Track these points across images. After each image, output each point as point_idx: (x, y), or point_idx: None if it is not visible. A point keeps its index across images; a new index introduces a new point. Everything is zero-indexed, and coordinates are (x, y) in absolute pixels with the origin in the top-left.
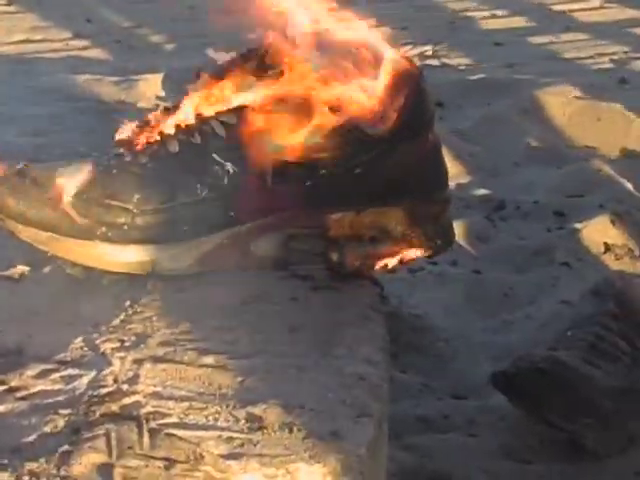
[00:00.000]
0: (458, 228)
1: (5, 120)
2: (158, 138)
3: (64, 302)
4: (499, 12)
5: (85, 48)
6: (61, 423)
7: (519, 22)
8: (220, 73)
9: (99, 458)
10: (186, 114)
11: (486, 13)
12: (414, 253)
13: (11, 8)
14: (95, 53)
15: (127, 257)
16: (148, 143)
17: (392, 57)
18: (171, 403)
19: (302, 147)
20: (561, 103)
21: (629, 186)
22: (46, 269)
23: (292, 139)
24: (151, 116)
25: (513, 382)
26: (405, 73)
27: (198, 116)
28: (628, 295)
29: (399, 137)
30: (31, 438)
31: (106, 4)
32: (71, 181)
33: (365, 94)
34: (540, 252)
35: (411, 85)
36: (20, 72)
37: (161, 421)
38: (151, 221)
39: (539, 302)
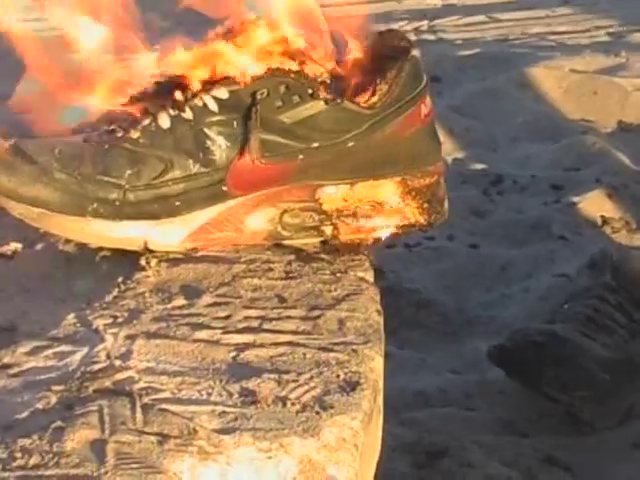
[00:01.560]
0: (455, 203)
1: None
2: (149, 114)
3: (57, 279)
4: None
5: None
6: (53, 399)
7: None
8: (209, 48)
9: (92, 434)
10: (177, 89)
11: None
12: (408, 226)
13: None
14: None
15: (119, 233)
16: (139, 118)
17: (382, 30)
18: (164, 378)
19: (293, 121)
20: (557, 77)
21: (625, 159)
22: (39, 246)
23: (283, 113)
24: (142, 91)
25: (510, 356)
26: (396, 45)
27: (189, 91)
28: (625, 267)
29: (391, 110)
30: (24, 415)
31: None
32: (62, 157)
33: (356, 67)
34: (537, 226)
35: (402, 57)
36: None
37: (154, 396)
38: (143, 197)
39: (536, 276)
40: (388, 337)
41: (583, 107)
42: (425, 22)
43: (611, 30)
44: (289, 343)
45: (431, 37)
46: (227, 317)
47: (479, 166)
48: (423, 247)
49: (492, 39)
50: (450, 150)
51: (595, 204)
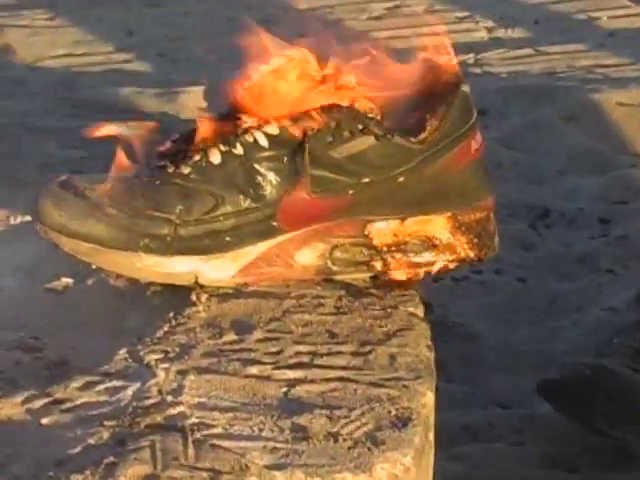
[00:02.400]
0: (502, 236)
1: (48, 133)
2: (200, 149)
3: (108, 314)
4: (539, 20)
5: (127, 61)
6: (106, 435)
7: (559, 29)
8: (259, 83)
9: (144, 469)
10: (228, 125)
11: (526, 21)
12: (458, 261)
13: (53, 22)
14: (137, 66)
15: (170, 268)
16: (190, 154)
17: (433, 64)
18: (216, 414)
19: (343, 156)
20: (604, 110)
21: None
22: (90, 281)
23: (333, 148)
24: (193, 128)
25: (559, 390)
26: (447, 80)
27: (239, 127)
28: None
29: (441, 145)
30: (76, 450)
31: (147, 18)
32: (114, 192)
33: (407, 103)
34: (585, 259)
35: (452, 92)
36: (62, 85)
37: (206, 432)
38: (194, 232)
39: (585, 309)
40: (436, 371)
41: (630, 140)
42: (471, 55)
43: None
44: (340, 379)
45: (477, 70)
46: (278, 352)
47: (526, 199)
48: (470, 281)
49: (538, 72)
50: (496, 183)
51: None
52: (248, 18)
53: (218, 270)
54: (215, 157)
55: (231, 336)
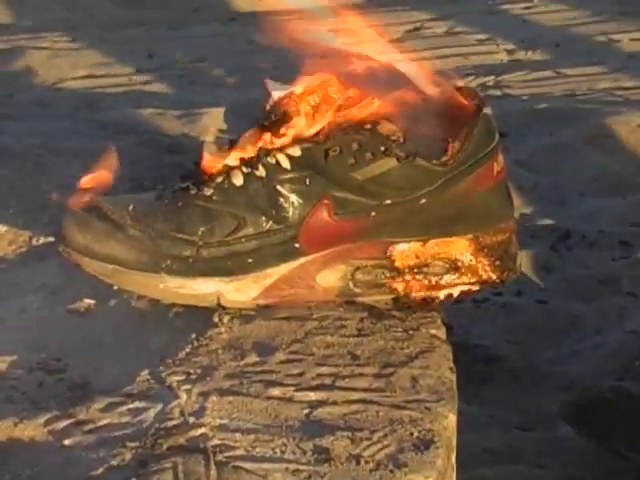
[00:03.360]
0: (523, 258)
1: (70, 154)
2: (222, 171)
3: (130, 335)
4: (560, 42)
5: (148, 83)
6: (128, 456)
7: (580, 51)
8: (281, 106)
9: None
10: (249, 147)
11: (547, 44)
12: (480, 283)
13: (74, 45)
14: (158, 87)
15: (192, 289)
16: (212, 176)
17: (455, 87)
18: (238, 435)
19: (365, 178)
20: (625, 132)
21: None
22: (112, 302)
23: (355, 170)
24: (215, 149)
25: (580, 413)
26: (468, 102)
27: (261, 149)
28: None
29: (463, 167)
30: (99, 471)
31: (167, 40)
32: (136, 214)
33: (429, 125)
34: (606, 282)
35: (474, 115)
36: (84, 107)
37: (228, 454)
38: (216, 253)
39: (606, 332)
40: (457, 392)
41: None
42: (492, 77)
43: None
44: (362, 401)
45: (497, 93)
46: (300, 374)
47: (547, 221)
48: (491, 303)
49: (559, 94)
50: (517, 205)
51: None
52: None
53: (240, 292)
54: (237, 179)
55: (253, 358)
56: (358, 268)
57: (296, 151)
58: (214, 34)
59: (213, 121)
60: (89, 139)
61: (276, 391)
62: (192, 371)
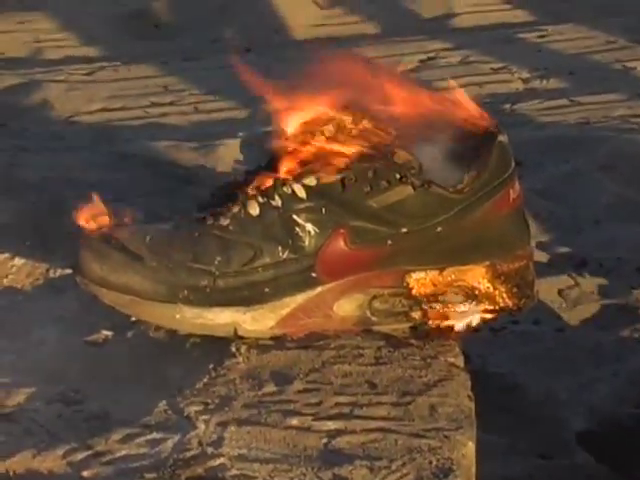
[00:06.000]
0: (540, 286)
1: (87, 186)
2: (239, 201)
3: (148, 366)
4: (575, 70)
5: (163, 115)
6: None
7: (595, 79)
8: (296, 136)
9: None
10: (265, 177)
11: (562, 72)
12: (497, 311)
13: (89, 77)
14: (173, 119)
15: (209, 320)
16: (229, 206)
17: (471, 115)
18: (256, 465)
19: (381, 206)
20: None
21: None
22: (129, 333)
23: (371, 198)
24: (231, 180)
25: (599, 441)
26: (484, 130)
27: (277, 179)
28: None
29: (480, 194)
30: None
31: (182, 72)
32: (153, 244)
33: (444, 153)
34: (624, 309)
35: (490, 142)
36: (100, 139)
37: None
38: (233, 283)
39: (625, 359)
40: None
41: None
42: (507, 106)
43: None
44: (381, 429)
45: (513, 121)
46: (318, 403)
47: (563, 249)
48: (508, 331)
49: (574, 122)
50: (534, 233)
51: None
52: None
53: (257, 321)
54: (253, 209)
55: (271, 387)
56: (375, 297)
57: (312, 181)
58: (229, 65)
59: (229, 152)
60: (106, 172)
61: (294, 420)
62: (210, 401)
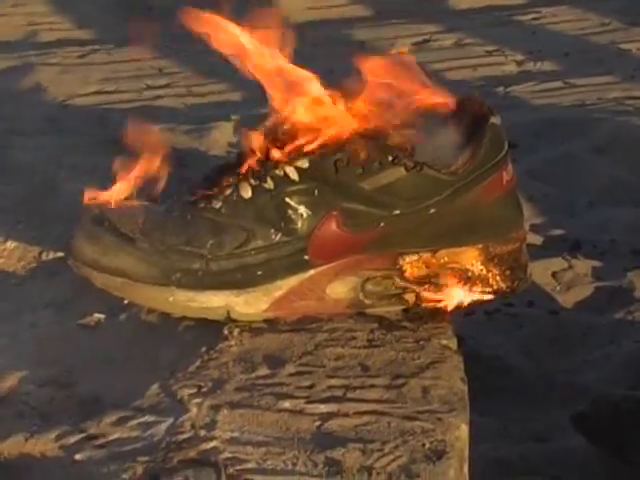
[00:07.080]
0: (534, 268)
1: (81, 169)
2: (231, 184)
3: (140, 349)
4: (569, 52)
5: (157, 98)
6: (139, 470)
7: (590, 61)
8: (288, 118)
9: None
10: (258, 159)
11: (556, 54)
12: (491, 293)
13: (83, 60)
14: (167, 102)
15: (202, 303)
16: (221, 189)
17: (462, 98)
18: (249, 448)
19: (373, 188)
20: (635, 141)
21: None
22: (122, 316)
23: (363, 180)
24: (224, 162)
25: (593, 423)
26: (476, 113)
27: (269, 161)
28: None
29: (472, 176)
30: None
31: (176, 55)
32: (146, 227)
33: (437, 135)
34: (618, 291)
35: (483, 124)
36: (94, 122)
37: (239, 467)
38: (225, 266)
39: (618, 342)
40: (469, 403)
41: None
42: (501, 89)
43: None
44: (373, 412)
45: (507, 103)
46: (311, 386)
47: (557, 232)
48: (502, 313)
49: (569, 104)
50: (528, 216)
51: None
52: None
53: (250, 304)
54: (246, 191)
55: (264, 370)
56: (368, 279)
57: (304, 163)
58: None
59: (222, 135)
60: (99, 154)
61: (287, 403)
62: (203, 384)
